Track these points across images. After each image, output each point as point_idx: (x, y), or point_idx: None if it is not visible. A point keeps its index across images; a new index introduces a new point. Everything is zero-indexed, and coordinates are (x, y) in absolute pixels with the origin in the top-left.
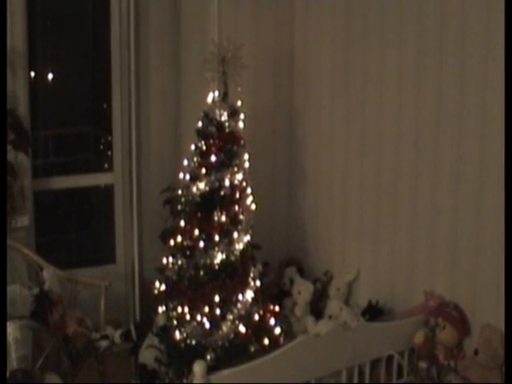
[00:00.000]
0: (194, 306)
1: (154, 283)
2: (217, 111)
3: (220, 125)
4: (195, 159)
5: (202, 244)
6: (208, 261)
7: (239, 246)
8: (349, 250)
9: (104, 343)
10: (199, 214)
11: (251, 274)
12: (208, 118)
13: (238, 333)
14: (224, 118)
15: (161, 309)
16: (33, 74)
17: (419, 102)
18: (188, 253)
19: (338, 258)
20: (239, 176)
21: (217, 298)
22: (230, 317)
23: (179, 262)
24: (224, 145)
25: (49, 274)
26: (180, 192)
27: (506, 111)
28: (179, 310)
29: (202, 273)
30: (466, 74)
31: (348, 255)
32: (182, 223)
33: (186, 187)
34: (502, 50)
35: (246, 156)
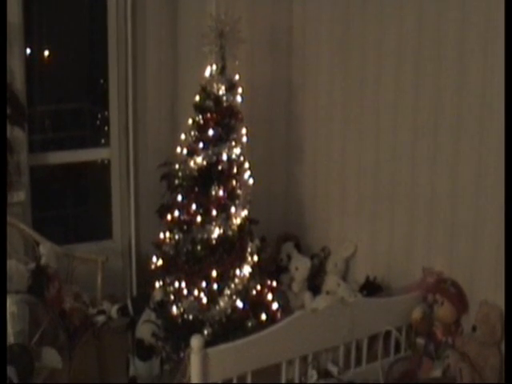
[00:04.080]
0: (191, 281)
1: (150, 258)
2: (214, 85)
3: (217, 99)
4: (192, 133)
5: (199, 219)
6: (205, 236)
7: (237, 221)
8: (346, 226)
9: (101, 318)
10: (196, 189)
11: (249, 249)
12: (205, 92)
13: (235, 308)
14: (222, 92)
15: (158, 284)
16: (29, 49)
17: (418, 78)
18: (185, 228)
19: (335, 233)
20: (237, 150)
21: (214, 273)
22: (228, 292)
23: (176, 237)
24: (221, 119)
25: (45, 249)
26: (177, 167)
27: (505, 91)
28: (176, 285)
29: (199, 248)
30: (466, 50)
31: (346, 231)
32: (179, 198)
33: (184, 162)
34: (502, 32)
35: (244, 130)
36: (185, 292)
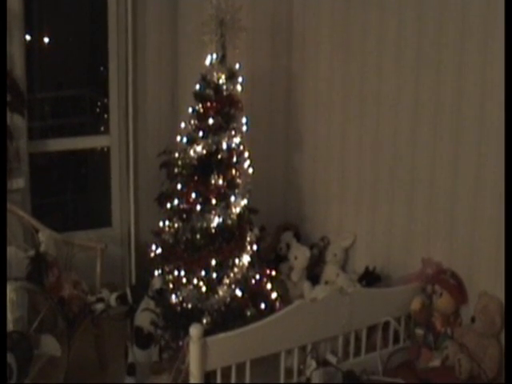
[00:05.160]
0: (191, 270)
1: (150, 246)
2: (214, 74)
3: (218, 88)
4: (192, 122)
5: (198, 207)
6: (205, 224)
7: (236, 210)
8: (346, 216)
9: (100, 306)
10: (196, 178)
11: (248, 239)
12: (206, 80)
13: (234, 297)
14: (222, 80)
15: (157, 272)
16: (29, 35)
17: (419, 67)
18: (184, 216)
19: (334, 223)
20: (236, 139)
21: (213, 262)
22: (227, 281)
23: (176, 226)
24: (221, 108)
25: (45, 236)
26: (177, 155)
27: (505, 82)
28: (175, 273)
29: (198, 236)
30: (467, 39)
31: (345, 221)
32: (179, 186)
33: (183, 150)
34: (501, 25)
35: (244, 119)
36: (184, 280)
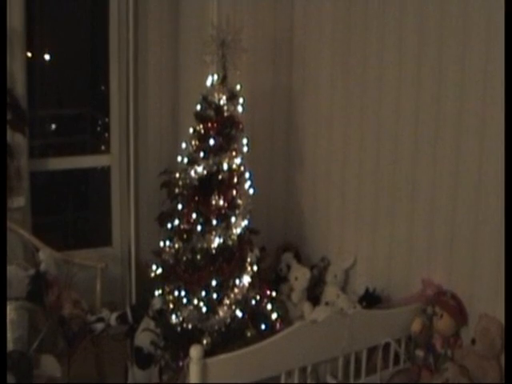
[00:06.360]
0: (191, 290)
1: (150, 266)
2: (215, 95)
3: (218, 108)
4: (193, 142)
5: (199, 228)
6: (205, 245)
7: (237, 231)
8: (346, 237)
9: (100, 325)
10: (197, 198)
11: (248, 259)
12: (207, 101)
13: (234, 318)
14: (223, 101)
15: (157, 292)
16: (30, 54)
17: (420, 82)
18: (185, 236)
19: (335, 244)
20: (237, 160)
21: (214, 283)
22: (227, 301)
23: (176, 246)
24: (222, 128)
25: (45, 255)
26: (178, 175)
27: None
28: (176, 293)
29: (198, 257)
30: (468, 47)
31: (345, 242)
32: (180, 206)
33: (184, 170)
34: (502, 27)
35: (245, 140)
36: (184, 301)
